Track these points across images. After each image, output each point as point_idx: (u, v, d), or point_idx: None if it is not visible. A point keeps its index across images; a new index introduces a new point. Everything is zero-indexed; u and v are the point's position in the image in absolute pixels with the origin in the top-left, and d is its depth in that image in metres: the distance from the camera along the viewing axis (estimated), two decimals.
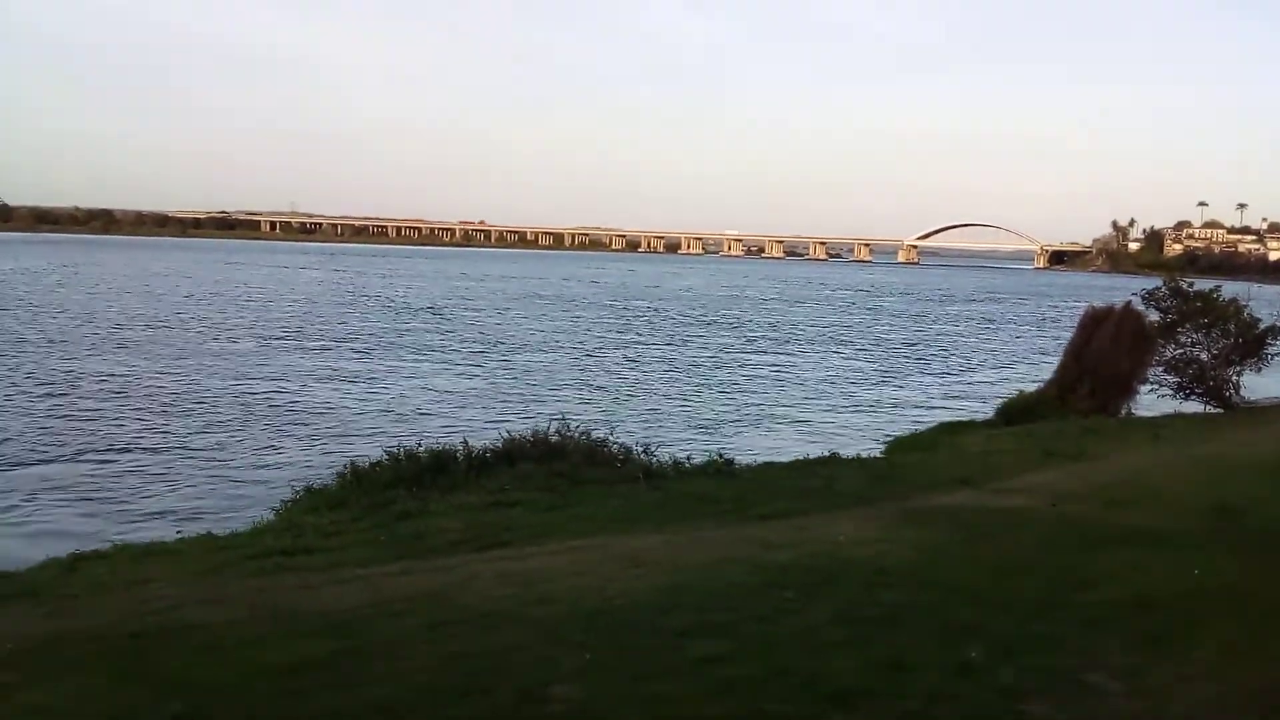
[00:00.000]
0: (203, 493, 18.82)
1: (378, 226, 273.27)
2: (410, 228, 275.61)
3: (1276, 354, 28.63)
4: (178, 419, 25.64)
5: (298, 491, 14.73)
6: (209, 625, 7.63)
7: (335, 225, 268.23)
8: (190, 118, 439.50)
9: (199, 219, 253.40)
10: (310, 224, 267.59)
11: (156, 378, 32.34)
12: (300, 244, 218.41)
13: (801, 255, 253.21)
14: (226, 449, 22.50)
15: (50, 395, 28.52)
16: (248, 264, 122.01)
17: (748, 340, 53.74)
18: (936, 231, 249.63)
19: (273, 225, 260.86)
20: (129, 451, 21.91)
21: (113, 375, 32.46)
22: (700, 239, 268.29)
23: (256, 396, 29.63)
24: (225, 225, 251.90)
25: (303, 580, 9.32)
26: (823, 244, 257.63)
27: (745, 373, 40.11)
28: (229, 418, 26.11)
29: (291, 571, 9.79)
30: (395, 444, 16.20)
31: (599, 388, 34.49)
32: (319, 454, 21.82)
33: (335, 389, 31.95)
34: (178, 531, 13.62)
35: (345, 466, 15.10)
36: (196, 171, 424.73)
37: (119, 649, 7.12)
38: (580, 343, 48.90)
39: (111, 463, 20.87)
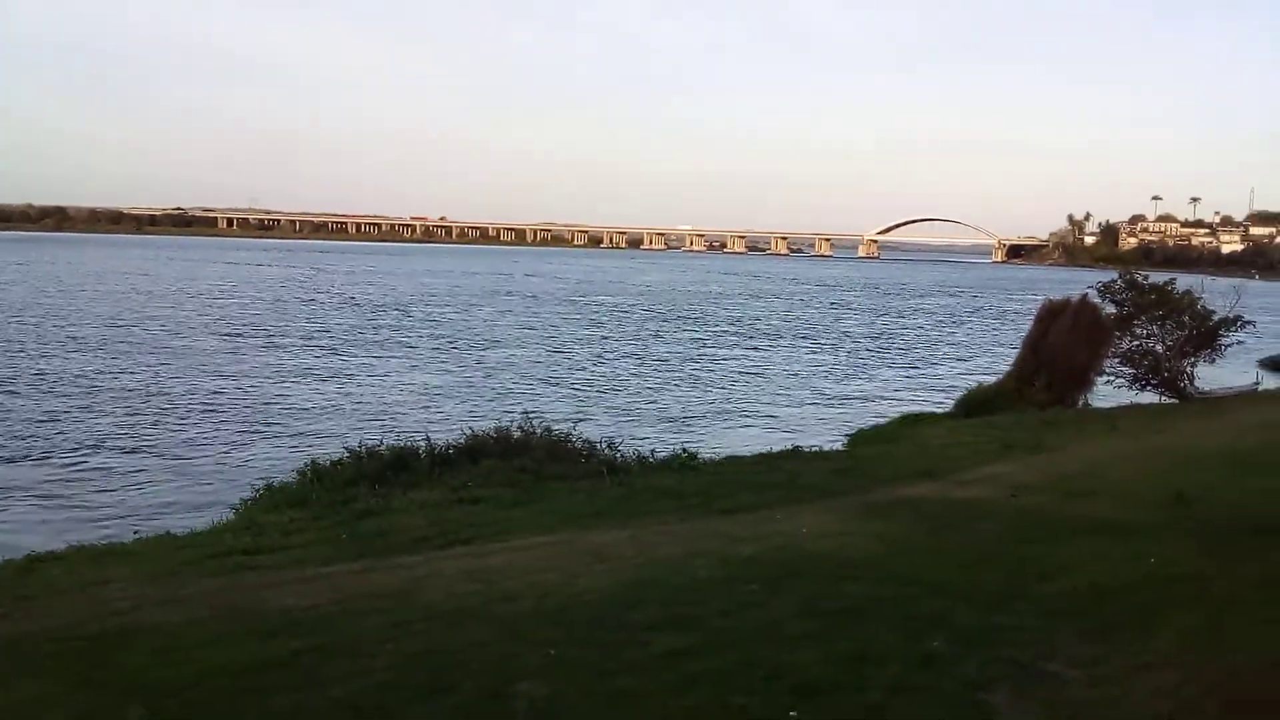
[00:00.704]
0: (163, 492, 18.56)
1: (337, 223, 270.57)
2: (370, 224, 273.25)
3: (1230, 345, 29.14)
4: (138, 418, 25.27)
5: (258, 490, 14.57)
6: (169, 626, 7.54)
7: (294, 222, 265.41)
8: (146, 113, 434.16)
9: (155, 216, 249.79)
10: (269, 221, 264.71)
11: (118, 377, 31.88)
12: (259, 240, 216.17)
13: (763, 250, 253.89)
14: (188, 448, 22.20)
15: (10, 396, 28.02)
16: (207, 261, 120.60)
17: (713, 335, 53.84)
18: (896, 226, 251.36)
19: (230, 222, 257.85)
20: (88, 451, 21.57)
21: (74, 375, 31.95)
22: (662, 234, 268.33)
23: (218, 395, 29.27)
24: (182, 222, 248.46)
25: (263, 579, 9.23)
26: (784, 239, 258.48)
27: (711, 367, 40.20)
28: (190, 417, 25.78)
29: (252, 571, 9.68)
30: (358, 441, 16.07)
31: (566, 384, 34.43)
32: (283, 451, 21.60)
33: (299, 386, 31.64)
34: (136, 532, 13.42)
35: (306, 464, 14.96)
36: (152, 168, 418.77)
37: (78, 651, 7.02)
38: (546, 339, 48.79)
39: (71, 464, 20.52)
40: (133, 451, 21.69)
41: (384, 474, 14.29)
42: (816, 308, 78.14)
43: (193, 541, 11.61)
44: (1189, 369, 28.91)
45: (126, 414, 25.79)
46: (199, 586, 9.02)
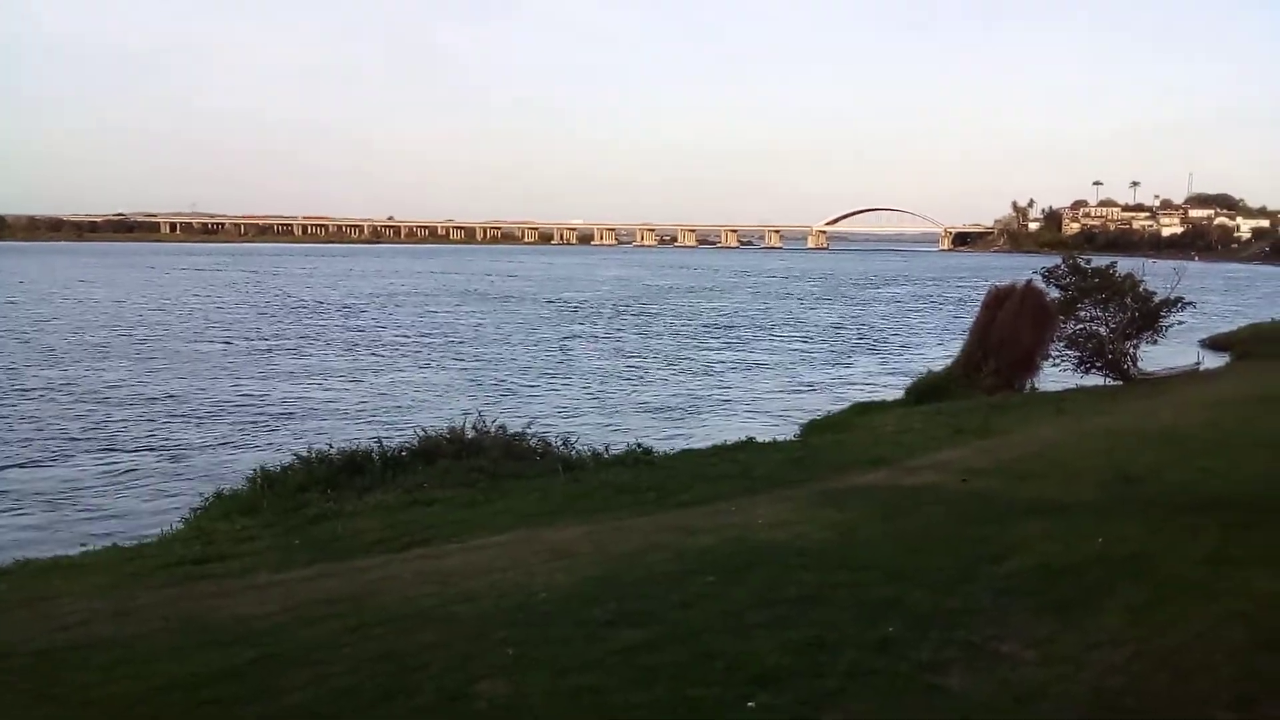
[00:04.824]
0: (109, 504, 18.14)
1: (283, 225, 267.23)
2: (317, 225, 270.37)
3: (1171, 326, 29.73)
4: (80, 427, 24.78)
5: (207, 498, 14.40)
6: (120, 639, 7.42)
7: (238, 225, 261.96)
8: (81, 118, 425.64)
9: (95, 222, 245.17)
10: (212, 224, 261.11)
11: (65, 387, 31.21)
12: (204, 245, 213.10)
13: (714, 244, 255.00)
14: (134, 457, 21.76)
15: None
16: (159, 268, 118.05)
17: (673, 329, 53.76)
18: (844, 217, 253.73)
19: (173, 226, 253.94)
20: (29, 465, 21.12)
21: (48, 384, 31.41)
22: (613, 229, 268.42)
23: (166, 402, 28.75)
24: (123, 228, 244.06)
25: (215, 588, 9.13)
26: (734, 232, 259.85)
27: (671, 361, 40.17)
28: (134, 426, 25.28)
29: (203, 580, 9.57)
30: (305, 446, 15.94)
31: (534, 380, 34.35)
32: (233, 458, 21.20)
33: (254, 391, 31.10)
34: (82, 545, 13.19)
35: (255, 470, 14.81)
36: (90, 173, 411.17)
37: (27, 668, 6.89)
38: (506, 336, 48.54)
39: (32, 474, 20.05)
40: (76, 462, 21.25)
41: (336, 478, 14.21)
42: (773, 300, 78.46)
43: (142, 553, 11.46)
44: (1132, 350, 29.46)
45: (69, 423, 25.29)
46: (150, 598, 8.89)
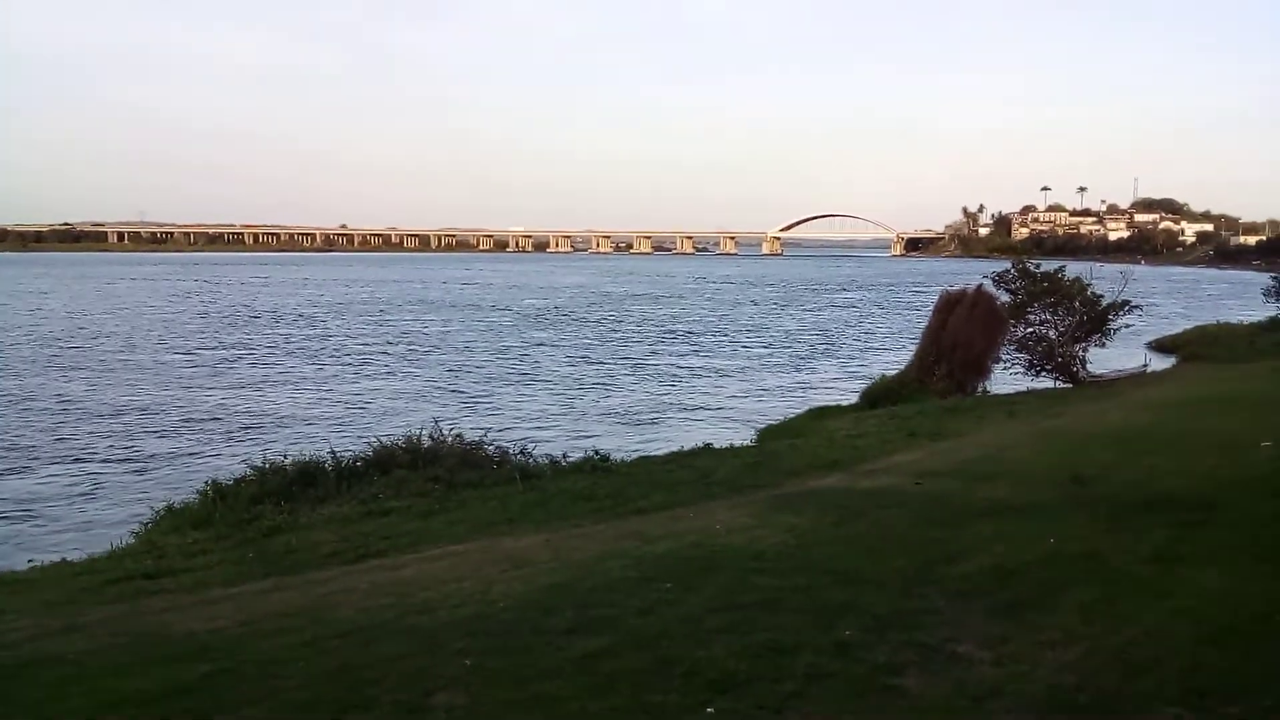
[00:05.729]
0: (68, 517, 17.79)
1: (233, 234, 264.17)
2: (268, 234, 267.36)
3: (1118, 329, 30.24)
4: (39, 440, 24.28)
5: (158, 512, 14.16)
6: (69, 655, 7.28)
7: (188, 234, 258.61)
8: (24, 127, 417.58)
9: (40, 232, 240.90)
10: (161, 234, 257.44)
11: (24, 400, 30.60)
12: (154, 255, 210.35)
13: (669, 250, 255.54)
14: (94, 470, 21.36)
15: None
16: (107, 278, 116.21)
17: (629, 337, 53.76)
18: (798, 223, 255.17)
19: (121, 236, 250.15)
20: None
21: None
22: (569, 236, 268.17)
23: (125, 413, 28.27)
24: (70, 238, 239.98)
25: (167, 603, 8.98)
26: (689, 238, 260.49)
27: (626, 369, 40.16)
28: (94, 438, 24.82)
29: (155, 595, 9.42)
30: (265, 457, 15.72)
31: (483, 391, 34.15)
32: (194, 470, 20.77)
33: (215, 402, 30.63)
34: (29, 560, 12.93)
35: (207, 483, 14.60)
36: (34, 183, 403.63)
37: None
38: (466, 345, 48.33)
39: None
40: (21, 475, 20.85)
41: (289, 490, 14.03)
42: (730, 306, 78.73)
43: (91, 567, 11.25)
44: (1081, 353, 29.92)
45: (48, 436, 24.81)
46: (100, 614, 8.73)
